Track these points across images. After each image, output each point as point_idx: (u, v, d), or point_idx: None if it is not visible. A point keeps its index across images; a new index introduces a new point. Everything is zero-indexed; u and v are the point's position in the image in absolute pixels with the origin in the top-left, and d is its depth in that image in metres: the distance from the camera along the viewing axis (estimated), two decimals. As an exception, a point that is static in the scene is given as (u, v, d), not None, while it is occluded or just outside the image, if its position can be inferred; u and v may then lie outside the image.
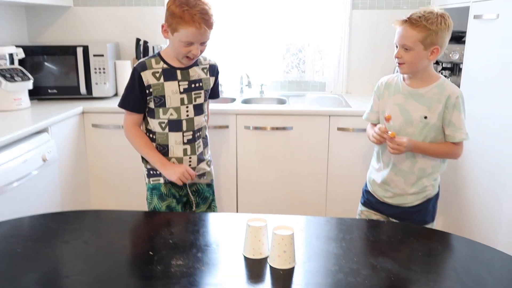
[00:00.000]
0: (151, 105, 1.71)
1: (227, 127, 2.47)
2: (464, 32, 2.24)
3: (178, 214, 1.67)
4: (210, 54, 1.85)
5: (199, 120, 1.77)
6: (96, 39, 2.93)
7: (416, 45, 1.55)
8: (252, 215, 1.28)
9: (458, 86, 2.24)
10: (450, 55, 2.47)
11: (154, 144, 1.75)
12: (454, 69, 2.57)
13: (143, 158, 1.79)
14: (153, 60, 1.70)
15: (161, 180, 1.75)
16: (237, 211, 2.58)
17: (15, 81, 2.33)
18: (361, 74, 2.96)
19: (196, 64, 1.75)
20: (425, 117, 1.62)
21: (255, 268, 1.18)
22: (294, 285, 1.11)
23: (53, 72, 2.62)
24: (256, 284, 1.11)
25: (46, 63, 2.62)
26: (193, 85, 1.73)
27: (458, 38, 2.56)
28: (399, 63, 1.62)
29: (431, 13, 1.54)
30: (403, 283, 1.12)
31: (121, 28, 2.94)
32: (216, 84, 1.85)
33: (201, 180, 1.83)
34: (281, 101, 2.84)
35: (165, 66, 1.69)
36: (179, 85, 1.70)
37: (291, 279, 1.13)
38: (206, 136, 1.86)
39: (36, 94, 2.58)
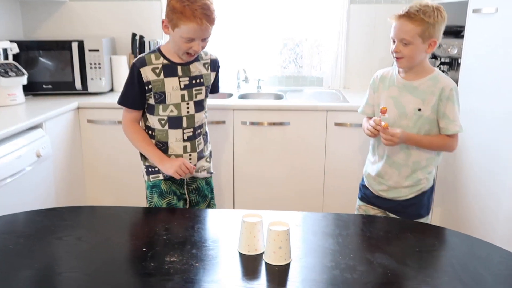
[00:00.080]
0: (151, 101, 1.67)
1: (223, 122, 2.45)
2: (463, 27, 2.23)
3: (173, 210, 1.65)
4: (207, 48, 1.82)
5: (199, 117, 1.74)
6: (92, 34, 2.90)
7: (415, 38, 1.56)
8: (248, 211, 1.27)
9: (457, 81, 2.24)
10: (449, 49, 2.45)
11: (154, 141, 1.72)
12: (452, 64, 2.55)
13: (141, 155, 1.76)
14: (152, 56, 1.66)
15: (161, 176, 1.73)
16: (233, 207, 2.56)
17: (9, 76, 2.31)
18: (359, 69, 2.94)
19: (197, 59, 1.71)
20: (419, 110, 1.63)
21: (250, 264, 1.17)
22: (290, 281, 1.10)
23: (48, 67, 2.60)
24: (251, 281, 1.10)
25: (41, 58, 2.59)
26: (194, 81, 1.70)
27: (457, 32, 2.54)
28: (397, 57, 1.62)
29: (427, 6, 1.55)
30: (399, 279, 1.10)
31: (117, 23, 2.91)
32: (216, 79, 1.83)
33: (200, 174, 1.80)
34: (278, 96, 2.83)
35: (165, 61, 1.66)
36: (179, 81, 1.67)
37: (287, 275, 1.12)
38: (206, 132, 1.83)
39: (31, 89, 2.56)
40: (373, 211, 1.84)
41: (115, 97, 2.61)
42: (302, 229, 1.38)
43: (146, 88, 1.65)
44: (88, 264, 1.16)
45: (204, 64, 1.74)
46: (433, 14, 1.54)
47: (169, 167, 1.66)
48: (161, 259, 1.16)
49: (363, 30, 2.88)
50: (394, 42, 1.62)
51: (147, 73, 1.64)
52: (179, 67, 1.67)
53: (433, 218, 2.49)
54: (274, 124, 2.45)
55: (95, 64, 2.60)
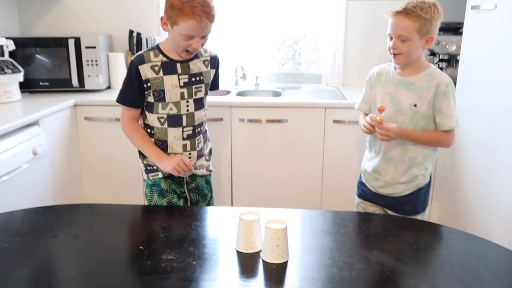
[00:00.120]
0: (150, 99, 1.65)
1: (221, 119, 2.44)
2: (461, 23, 2.22)
3: (171, 208, 1.64)
4: (206, 45, 1.80)
5: (199, 115, 1.72)
6: (89, 30, 2.88)
7: (412, 35, 1.56)
8: (246, 208, 1.26)
9: (455, 78, 2.23)
10: (447, 46, 2.45)
11: (153, 139, 1.69)
12: (451, 61, 2.55)
13: (140, 154, 1.74)
14: (151, 53, 1.64)
15: (160, 175, 1.71)
16: (232, 205, 2.55)
17: (5, 73, 2.30)
18: (358, 66, 2.93)
19: (196, 56, 1.69)
20: (415, 105, 1.63)
21: (247, 262, 1.16)
22: (287, 279, 1.09)
23: (45, 64, 2.58)
24: (248, 279, 1.09)
25: (37, 55, 2.57)
26: (193, 79, 1.68)
27: (455, 29, 2.54)
28: (394, 54, 1.62)
29: (424, 3, 1.55)
30: (398, 277, 1.10)
31: (114, 20, 2.89)
32: (216, 76, 1.81)
33: (199, 171, 1.79)
34: (277, 94, 2.81)
35: (164, 59, 1.63)
36: (179, 79, 1.64)
37: (284, 273, 1.11)
38: (206, 130, 1.82)
39: (28, 86, 2.54)
40: (371, 208, 1.84)
41: (112, 94, 2.62)
42: (300, 226, 1.37)
43: (145, 86, 1.62)
44: (84, 263, 1.15)
45: (204, 62, 1.72)
46: (430, 10, 1.54)
47: (167, 164, 1.64)
48: (158, 257, 1.15)
49: (362, 27, 2.87)
50: (391, 38, 1.62)
51: (145, 71, 1.61)
52: (178, 65, 1.65)
53: (432, 215, 2.49)
54: (272, 121, 2.44)
55: (92, 61, 2.58)
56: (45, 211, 1.46)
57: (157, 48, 1.65)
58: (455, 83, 2.22)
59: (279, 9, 2.89)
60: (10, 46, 2.43)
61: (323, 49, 2.95)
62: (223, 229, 1.35)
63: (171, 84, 1.63)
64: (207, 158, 1.83)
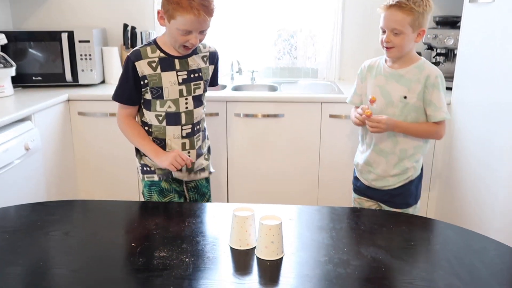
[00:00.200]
0: (147, 96, 1.60)
1: (217, 114, 2.41)
2: (459, 17, 2.20)
3: (165, 204, 1.61)
4: (205, 40, 1.75)
5: (198, 113, 1.68)
6: (82, 24, 2.84)
7: (406, 28, 1.57)
8: (240, 204, 1.24)
9: (453, 72, 2.21)
10: (445, 40, 2.42)
11: (151, 137, 1.65)
12: (448, 55, 2.53)
13: (137, 153, 1.71)
14: (148, 49, 1.58)
15: (156, 177, 1.67)
16: (227, 201, 2.53)
17: (-3, 67, 2.26)
18: (355, 60, 2.89)
19: (195, 52, 1.64)
20: (405, 97, 1.65)
21: (241, 259, 1.14)
22: (282, 276, 1.07)
23: (38, 58, 2.54)
24: (242, 276, 1.07)
25: (30, 49, 2.53)
26: (192, 75, 1.63)
27: (453, 23, 2.52)
28: (387, 48, 1.63)
29: None
30: (394, 273, 1.08)
31: (108, 13, 2.85)
32: (215, 71, 1.76)
33: (200, 175, 1.76)
34: (273, 88, 2.79)
35: (161, 55, 1.58)
36: (177, 76, 1.60)
37: (279, 270, 1.09)
38: (204, 128, 1.77)
39: (20, 81, 2.51)
40: (367, 203, 1.86)
41: (106, 89, 2.59)
42: (295, 223, 1.35)
43: (142, 83, 1.58)
44: (75, 260, 1.13)
45: (202, 57, 1.67)
46: (422, 4, 1.56)
47: (164, 160, 1.59)
48: (150, 255, 1.13)
49: (359, 20, 2.84)
50: (383, 32, 1.63)
51: (142, 67, 1.57)
52: (176, 61, 1.60)
53: (428, 211, 2.48)
54: (268, 116, 2.41)
55: (85, 55, 2.55)
56: (35, 207, 1.44)
57: (154, 43, 1.60)
58: (452, 77, 2.22)
59: (275, 2, 2.86)
60: (2, 40, 2.39)
61: (320, 43, 2.92)
62: (217, 225, 1.33)
63: (169, 81, 1.59)
64: (206, 157, 1.79)
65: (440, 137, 1.73)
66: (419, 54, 2.48)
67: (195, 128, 1.68)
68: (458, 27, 2.18)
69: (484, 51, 1.92)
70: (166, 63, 1.59)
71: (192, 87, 1.64)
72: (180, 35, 1.51)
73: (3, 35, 2.40)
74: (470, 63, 2.05)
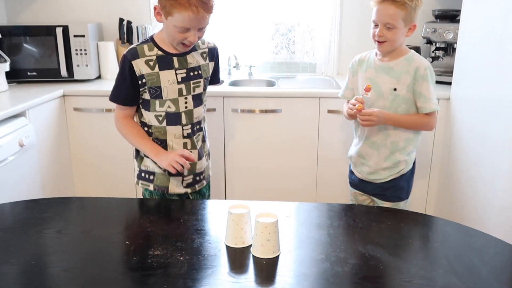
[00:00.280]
0: (146, 96, 1.55)
1: (214, 110, 2.39)
2: (459, 11, 2.17)
3: (159, 202, 1.59)
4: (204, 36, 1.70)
5: (198, 112, 1.63)
6: (77, 19, 2.81)
7: (399, 22, 1.59)
8: (237, 201, 1.22)
9: (452, 66, 2.19)
10: (444, 34, 2.40)
11: (151, 138, 1.60)
12: (448, 49, 2.50)
13: (137, 156, 1.65)
14: (145, 46, 1.52)
15: (151, 187, 1.62)
16: (225, 198, 2.52)
17: (-10, 62, 2.23)
18: (353, 55, 2.82)
19: (194, 49, 1.58)
20: (395, 89, 1.67)
21: (237, 257, 1.12)
22: (278, 275, 1.05)
23: (32, 53, 2.51)
24: (238, 275, 1.06)
25: (24, 44, 2.51)
26: (191, 74, 1.57)
27: (452, 17, 2.49)
28: (380, 42, 1.64)
29: None
30: (392, 272, 1.06)
31: (103, 7, 2.81)
32: (216, 68, 1.70)
33: (200, 184, 1.71)
34: (270, 83, 2.76)
35: (159, 52, 1.52)
36: (176, 74, 1.54)
37: (275, 269, 1.07)
38: (204, 128, 1.72)
39: (15, 76, 2.48)
40: (361, 197, 1.89)
41: (102, 84, 2.56)
42: (292, 220, 1.33)
43: (140, 82, 1.52)
44: (68, 259, 1.10)
45: (202, 54, 1.61)
46: None
47: (164, 159, 1.53)
48: (144, 253, 1.11)
49: (357, 15, 2.80)
50: (376, 26, 1.64)
51: (139, 66, 1.51)
52: (175, 59, 1.54)
53: (427, 206, 2.47)
54: (266, 111, 2.39)
55: (81, 50, 2.52)
56: (28, 204, 1.42)
57: (152, 41, 1.54)
58: (452, 72, 2.19)
59: (272, -4, 2.83)
60: (-5, 35, 2.37)
61: (318, 38, 2.89)
62: (213, 223, 1.31)
63: (168, 80, 1.53)
64: (207, 158, 1.74)
65: (431, 128, 1.75)
66: (418, 48, 2.46)
67: (195, 128, 1.64)
68: (458, 21, 2.16)
69: (484, 46, 1.90)
70: (164, 61, 1.53)
71: (192, 85, 1.58)
72: (177, 32, 1.45)
73: (-3, 30, 2.37)
74: (470, 57, 2.03)
